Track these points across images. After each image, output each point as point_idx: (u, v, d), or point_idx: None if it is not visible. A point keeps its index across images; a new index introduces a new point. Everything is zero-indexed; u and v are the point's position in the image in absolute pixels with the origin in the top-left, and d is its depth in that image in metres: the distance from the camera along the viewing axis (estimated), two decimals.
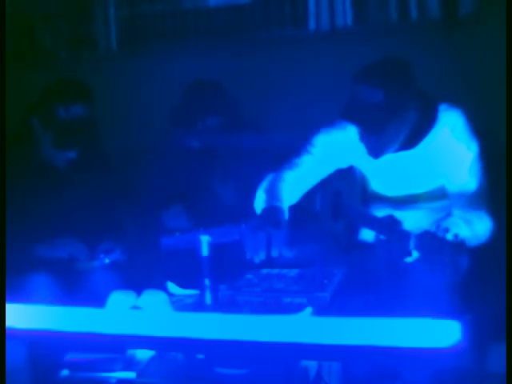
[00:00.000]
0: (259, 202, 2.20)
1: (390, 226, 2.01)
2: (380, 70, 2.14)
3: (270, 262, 2.06)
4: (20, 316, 1.61)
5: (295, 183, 2.27)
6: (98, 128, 2.52)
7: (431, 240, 1.90)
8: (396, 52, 2.23)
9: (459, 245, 1.86)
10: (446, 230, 1.88)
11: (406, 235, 1.96)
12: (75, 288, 2.41)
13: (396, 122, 2.14)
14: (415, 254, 1.98)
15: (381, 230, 2.06)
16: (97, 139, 2.53)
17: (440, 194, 2.28)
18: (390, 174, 2.32)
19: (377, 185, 2.39)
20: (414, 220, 2.11)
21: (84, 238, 2.44)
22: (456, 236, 1.87)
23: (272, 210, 2.13)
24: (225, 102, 2.72)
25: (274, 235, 2.02)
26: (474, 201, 2.16)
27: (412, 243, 1.94)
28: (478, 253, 2.14)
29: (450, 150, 2.20)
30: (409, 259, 2.05)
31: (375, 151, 2.21)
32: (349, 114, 2.16)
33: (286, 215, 2.14)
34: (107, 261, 2.45)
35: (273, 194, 2.21)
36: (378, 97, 2.08)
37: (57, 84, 2.53)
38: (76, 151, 2.48)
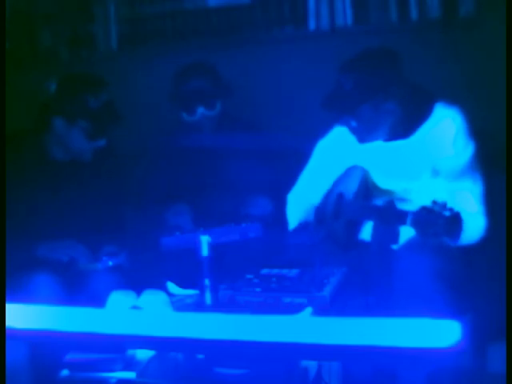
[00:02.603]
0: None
1: (388, 209, 2.06)
2: (357, 56, 2.24)
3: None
4: (20, 316, 1.61)
5: (311, 195, 2.34)
6: (120, 114, 2.51)
7: (427, 214, 1.93)
8: (395, 52, 2.25)
9: (454, 217, 1.89)
10: (443, 205, 1.91)
11: (402, 214, 2.02)
12: (75, 288, 2.41)
13: (372, 110, 2.21)
14: (411, 231, 2.02)
15: (379, 214, 2.09)
16: (121, 124, 2.53)
17: (437, 190, 2.30)
18: (390, 166, 2.33)
19: (379, 179, 2.41)
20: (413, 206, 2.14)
21: (87, 239, 2.44)
22: (451, 210, 1.90)
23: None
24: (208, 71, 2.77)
25: None
26: (468, 201, 2.19)
27: (409, 220, 1.98)
28: (478, 252, 2.14)
29: (446, 144, 2.23)
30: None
31: (359, 135, 2.29)
32: (325, 102, 2.28)
33: None
34: (110, 263, 2.44)
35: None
36: (349, 78, 2.19)
37: (73, 79, 2.53)
38: (106, 139, 2.48)
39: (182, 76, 2.77)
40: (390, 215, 2.06)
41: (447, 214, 1.91)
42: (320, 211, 2.35)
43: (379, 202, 2.25)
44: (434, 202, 1.95)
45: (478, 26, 2.81)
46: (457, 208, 1.96)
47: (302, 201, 2.45)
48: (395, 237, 2.08)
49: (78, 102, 2.42)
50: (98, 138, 2.47)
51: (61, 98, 2.46)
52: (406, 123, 2.26)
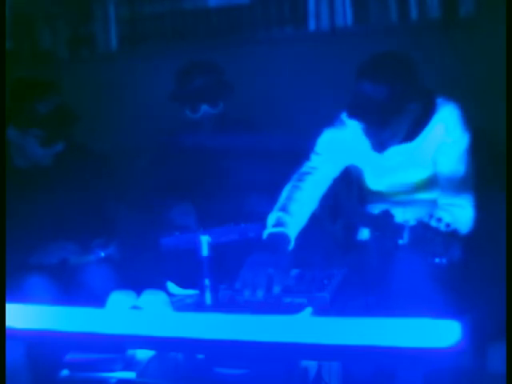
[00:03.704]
0: (270, 221, 2.17)
1: (385, 221, 2.03)
2: (383, 64, 2.16)
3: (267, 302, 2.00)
4: (20, 316, 1.61)
5: (314, 188, 2.28)
6: (74, 115, 2.46)
7: (424, 230, 1.91)
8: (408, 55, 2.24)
9: (451, 234, 1.88)
10: (439, 220, 1.90)
11: (399, 228, 1.98)
12: (74, 288, 2.41)
13: (400, 116, 2.15)
14: (409, 246, 2.00)
15: (376, 225, 2.08)
16: (76, 126, 2.47)
17: (432, 185, 2.29)
18: (388, 167, 2.33)
19: (373, 180, 2.40)
20: (408, 214, 2.12)
21: (78, 236, 2.43)
22: (448, 225, 1.89)
23: (276, 238, 2.09)
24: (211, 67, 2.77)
25: (275, 275, 1.98)
26: (462, 192, 2.20)
27: (406, 235, 1.96)
28: (478, 252, 2.14)
29: (444, 142, 2.23)
30: (404, 252, 2.07)
31: (380, 146, 2.23)
32: (354, 111, 2.16)
33: (291, 241, 2.11)
34: (102, 254, 2.43)
35: (284, 212, 2.17)
36: (383, 91, 2.09)
37: (20, 86, 2.47)
38: (62, 143, 2.43)
39: (186, 74, 2.77)
40: (386, 227, 2.04)
41: (444, 229, 1.90)
42: (316, 210, 2.34)
43: (375, 209, 2.23)
44: (431, 216, 1.93)
45: (478, 26, 2.81)
46: (454, 220, 1.95)
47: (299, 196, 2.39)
48: (395, 246, 2.05)
49: (27, 111, 2.37)
50: (53, 144, 2.42)
51: (11, 106, 2.42)
52: (415, 125, 2.24)
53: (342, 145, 2.32)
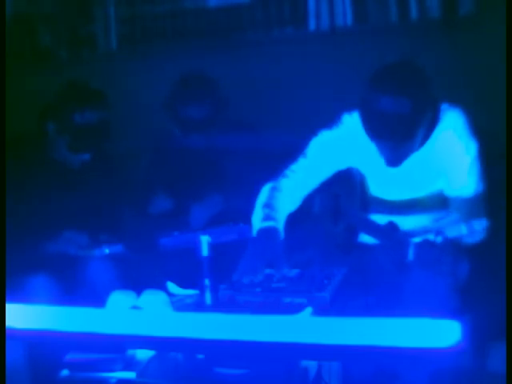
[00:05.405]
0: (256, 219, 2.12)
1: (390, 233, 2.00)
2: (398, 76, 2.05)
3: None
4: (20, 316, 1.61)
5: (294, 189, 2.23)
6: (110, 131, 2.52)
7: (430, 248, 1.88)
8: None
9: (457, 251, 1.86)
10: (445, 238, 1.87)
11: (405, 242, 1.94)
12: (76, 288, 2.41)
13: (420, 127, 2.07)
14: (414, 263, 1.97)
15: (380, 236, 2.06)
16: (109, 142, 2.55)
17: (439, 201, 2.26)
18: (391, 176, 2.30)
19: (377, 188, 2.38)
20: (413, 226, 2.10)
21: (87, 229, 2.46)
22: (453, 241, 1.87)
23: (268, 232, 2.04)
24: (210, 92, 2.70)
25: (273, 259, 1.97)
26: (472, 203, 2.16)
27: (411, 252, 1.92)
28: (478, 253, 2.14)
29: (451, 151, 2.19)
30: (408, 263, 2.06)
31: (396, 160, 2.15)
32: (378, 131, 2.05)
33: (282, 236, 2.06)
34: (107, 251, 2.45)
35: (270, 208, 2.12)
36: (405, 105, 1.98)
37: (71, 89, 2.53)
38: (90, 154, 2.51)
39: (180, 96, 2.69)
40: (391, 240, 2.00)
41: (450, 248, 1.87)
42: (314, 209, 2.33)
43: (378, 218, 2.21)
44: (437, 233, 1.90)
45: (477, 25, 2.81)
46: (465, 232, 1.92)
47: (290, 192, 2.34)
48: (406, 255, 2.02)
49: (64, 114, 2.44)
50: (80, 153, 2.49)
51: (55, 104, 2.49)
52: (423, 135, 2.15)
53: (337, 147, 2.26)
